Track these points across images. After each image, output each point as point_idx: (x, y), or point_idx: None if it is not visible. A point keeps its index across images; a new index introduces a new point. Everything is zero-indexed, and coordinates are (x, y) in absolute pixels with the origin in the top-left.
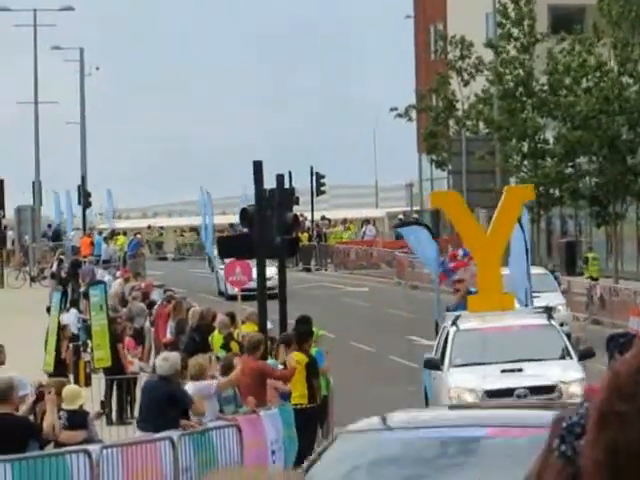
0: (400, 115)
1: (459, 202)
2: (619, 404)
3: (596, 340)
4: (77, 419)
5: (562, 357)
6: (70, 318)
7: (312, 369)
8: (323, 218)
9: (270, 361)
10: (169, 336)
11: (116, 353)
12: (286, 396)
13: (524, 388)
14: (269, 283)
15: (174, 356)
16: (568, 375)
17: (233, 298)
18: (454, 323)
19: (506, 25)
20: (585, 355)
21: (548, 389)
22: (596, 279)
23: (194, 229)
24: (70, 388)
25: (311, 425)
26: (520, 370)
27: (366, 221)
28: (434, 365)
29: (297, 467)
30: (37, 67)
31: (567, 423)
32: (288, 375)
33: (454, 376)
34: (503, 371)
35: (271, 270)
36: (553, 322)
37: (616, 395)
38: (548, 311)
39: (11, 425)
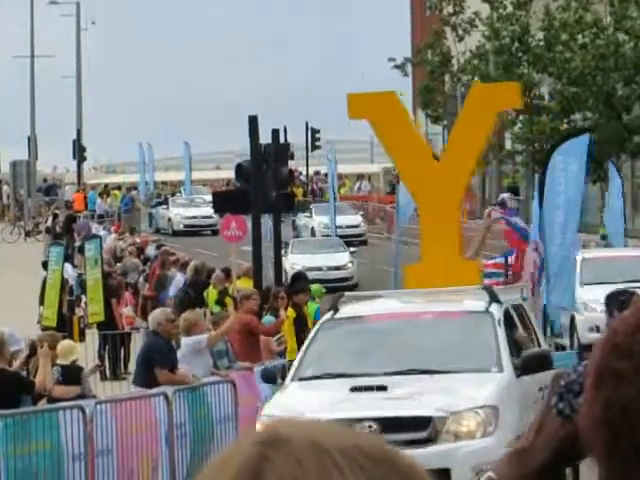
0: (397, 67)
1: (395, 108)
2: (616, 362)
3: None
4: (71, 374)
5: (486, 369)
6: (66, 273)
7: (301, 324)
8: (317, 173)
9: (266, 318)
10: (147, 289)
11: (109, 308)
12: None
13: (373, 420)
14: (343, 273)
15: (157, 311)
16: (464, 401)
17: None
18: (334, 305)
19: None
20: (529, 366)
21: (416, 424)
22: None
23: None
24: (65, 343)
25: None
26: (382, 389)
27: (361, 176)
28: (270, 378)
29: None
30: (33, 21)
31: (565, 381)
32: (271, 330)
33: (284, 397)
34: (354, 389)
35: (344, 257)
36: (495, 309)
37: (614, 353)
38: (491, 293)
39: (2, 380)
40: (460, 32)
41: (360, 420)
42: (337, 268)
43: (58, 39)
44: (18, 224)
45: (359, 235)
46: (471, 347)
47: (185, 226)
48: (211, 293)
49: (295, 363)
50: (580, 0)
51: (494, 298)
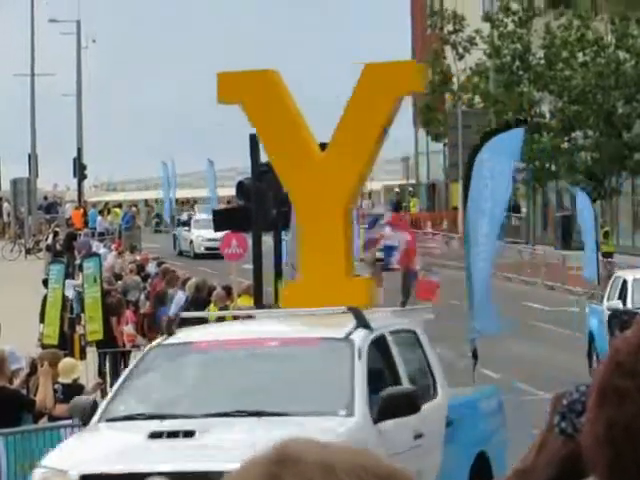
0: None
1: (274, 90)
2: (619, 380)
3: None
4: (72, 392)
5: (332, 411)
6: (68, 289)
7: None
8: None
9: None
10: (147, 307)
11: (108, 326)
12: None
13: (159, 475)
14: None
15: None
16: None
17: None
18: (169, 328)
19: None
20: (389, 409)
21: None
22: (611, 255)
23: (188, 202)
24: (66, 361)
25: None
26: (189, 435)
27: (361, 194)
28: (79, 413)
29: None
30: (34, 39)
31: (568, 400)
32: None
33: (74, 442)
34: (152, 436)
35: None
36: (358, 337)
37: (616, 371)
38: (358, 316)
39: (3, 398)
40: (460, 50)
41: (146, 475)
42: None
43: (58, 57)
44: (18, 242)
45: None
46: (318, 383)
47: (206, 249)
48: (211, 311)
49: (107, 398)
50: (581, 18)
51: (362, 322)
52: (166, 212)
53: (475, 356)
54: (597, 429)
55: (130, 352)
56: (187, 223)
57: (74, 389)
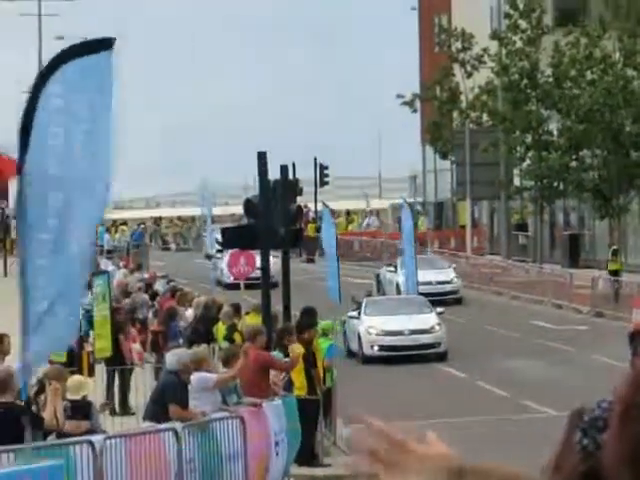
0: (406, 103)
1: None
2: None
3: (601, 332)
4: (81, 409)
5: None
6: None
7: (310, 360)
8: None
9: (274, 353)
10: (155, 324)
11: (117, 343)
12: (289, 387)
13: None
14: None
15: (182, 352)
16: None
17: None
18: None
19: (513, 16)
20: None
21: None
22: (619, 273)
23: (194, 219)
24: (75, 378)
25: (311, 416)
26: None
27: (369, 212)
28: None
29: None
30: (41, 56)
31: (589, 416)
32: (290, 366)
33: None
34: None
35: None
36: None
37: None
38: None
39: (12, 414)
40: (468, 68)
41: None
42: (422, 332)
43: None
44: None
45: (451, 292)
46: None
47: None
48: (220, 329)
49: None
50: (589, 36)
51: None
52: (208, 231)
53: None
54: (621, 447)
55: (132, 369)
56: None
57: (82, 406)
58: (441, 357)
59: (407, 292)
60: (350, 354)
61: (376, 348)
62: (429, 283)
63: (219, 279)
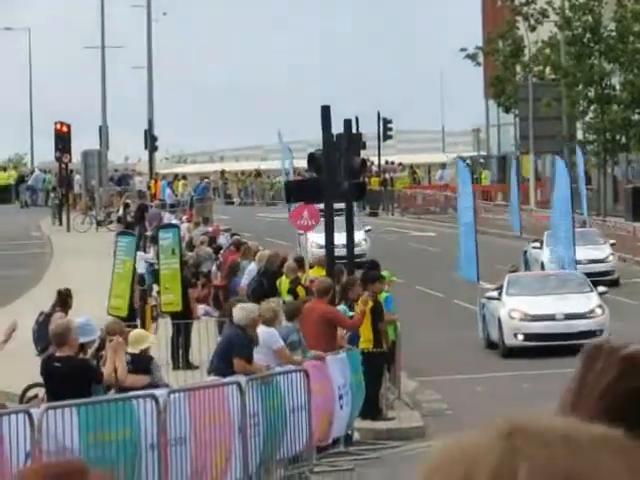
0: (469, 56)
1: None
2: None
3: None
4: (140, 363)
5: None
6: (138, 261)
7: (377, 313)
8: (387, 162)
9: (340, 307)
10: (219, 278)
11: (186, 297)
12: (354, 340)
13: None
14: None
15: (251, 306)
16: None
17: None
18: None
19: None
20: None
21: None
22: None
23: (258, 174)
24: (136, 332)
25: (377, 370)
26: None
27: (442, 165)
28: None
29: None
30: (104, 12)
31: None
32: (356, 325)
33: None
34: None
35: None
36: None
37: None
38: None
39: (72, 368)
40: (532, 22)
41: None
42: (581, 316)
43: (129, 30)
44: (89, 214)
45: (606, 273)
46: None
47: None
48: (283, 283)
49: None
50: None
51: None
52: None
53: None
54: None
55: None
56: None
57: (142, 360)
58: None
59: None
60: (491, 345)
61: (520, 337)
62: (578, 262)
63: None
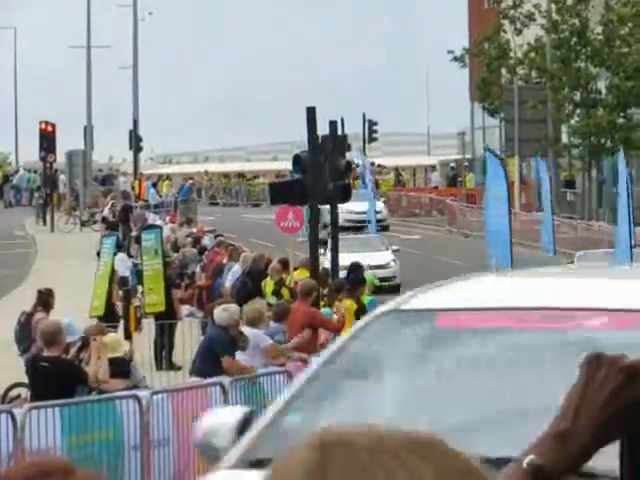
0: (456, 58)
1: None
2: None
3: None
4: (119, 367)
5: None
6: (118, 262)
7: (362, 316)
8: (372, 164)
9: (324, 310)
10: (204, 279)
11: (170, 298)
12: None
13: None
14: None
15: (234, 307)
16: None
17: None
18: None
19: None
20: None
21: None
22: None
23: (242, 175)
24: (111, 337)
25: None
26: None
27: (431, 167)
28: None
29: None
30: (90, 11)
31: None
32: (340, 326)
33: None
34: None
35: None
36: None
37: None
38: None
39: (58, 368)
40: (518, 25)
41: None
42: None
43: (115, 29)
44: (74, 214)
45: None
46: None
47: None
48: (268, 284)
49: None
50: None
51: None
52: None
53: None
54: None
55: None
56: None
57: (120, 363)
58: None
59: None
60: None
61: None
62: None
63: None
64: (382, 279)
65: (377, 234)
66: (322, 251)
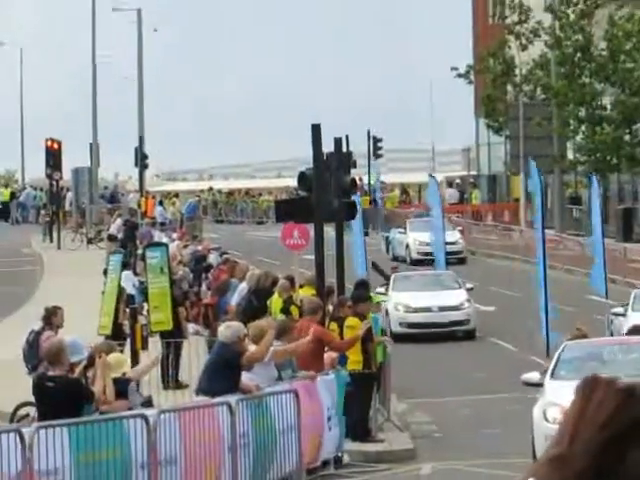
0: (460, 75)
1: None
2: None
3: None
4: (119, 386)
5: None
6: (124, 280)
7: (367, 334)
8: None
9: (331, 327)
10: (209, 297)
11: (176, 316)
12: (342, 362)
13: None
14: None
15: (237, 324)
16: None
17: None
18: None
19: None
20: None
21: None
22: None
23: (247, 192)
24: (114, 356)
25: (366, 391)
26: None
27: (448, 184)
28: None
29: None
30: (95, 29)
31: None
32: (347, 347)
33: None
34: None
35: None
36: None
37: None
38: None
39: (65, 387)
40: (524, 41)
41: None
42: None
43: (120, 46)
44: (80, 231)
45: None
46: None
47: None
48: (276, 302)
49: None
50: None
51: None
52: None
53: None
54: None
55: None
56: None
57: (121, 383)
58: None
59: None
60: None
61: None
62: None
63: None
64: (453, 322)
65: (447, 270)
66: (382, 289)
